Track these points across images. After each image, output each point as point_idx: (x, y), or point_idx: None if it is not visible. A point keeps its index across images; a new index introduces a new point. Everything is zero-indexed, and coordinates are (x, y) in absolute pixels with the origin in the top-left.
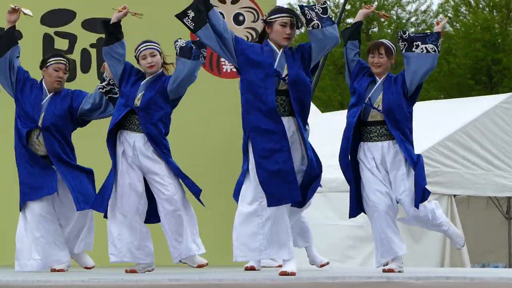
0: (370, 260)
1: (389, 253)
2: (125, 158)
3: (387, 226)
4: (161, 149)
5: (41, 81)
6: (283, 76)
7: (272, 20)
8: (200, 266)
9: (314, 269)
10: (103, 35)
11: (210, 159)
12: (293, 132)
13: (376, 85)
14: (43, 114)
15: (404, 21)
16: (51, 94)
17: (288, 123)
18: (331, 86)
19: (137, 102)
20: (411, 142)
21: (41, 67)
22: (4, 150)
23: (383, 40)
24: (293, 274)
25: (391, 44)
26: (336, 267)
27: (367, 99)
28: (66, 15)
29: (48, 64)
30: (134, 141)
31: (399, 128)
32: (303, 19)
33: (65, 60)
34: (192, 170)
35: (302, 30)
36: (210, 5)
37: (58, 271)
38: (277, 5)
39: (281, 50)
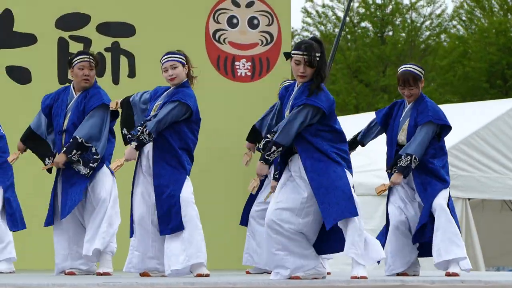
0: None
1: (393, 265)
2: (141, 168)
3: (395, 240)
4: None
5: (71, 85)
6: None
7: (291, 55)
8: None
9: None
10: (117, 39)
11: (223, 163)
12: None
13: (405, 111)
14: (68, 116)
15: (418, 24)
16: (78, 94)
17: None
18: (346, 90)
19: (152, 113)
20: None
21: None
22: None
23: (410, 68)
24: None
25: (418, 70)
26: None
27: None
28: (81, 19)
29: (73, 64)
30: (148, 150)
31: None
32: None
33: (88, 56)
34: (204, 174)
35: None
36: None
37: (67, 274)
38: (291, 11)
39: (299, 85)
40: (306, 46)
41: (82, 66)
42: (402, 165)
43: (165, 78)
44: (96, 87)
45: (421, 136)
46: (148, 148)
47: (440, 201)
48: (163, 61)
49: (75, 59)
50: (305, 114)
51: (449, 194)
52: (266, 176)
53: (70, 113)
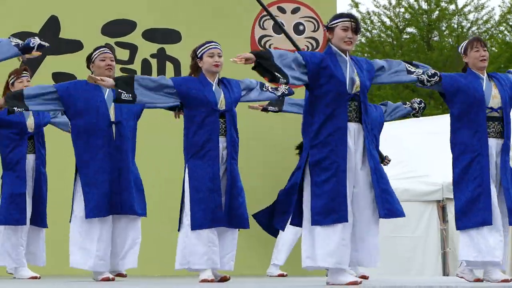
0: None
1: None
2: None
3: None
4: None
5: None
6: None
7: (333, 25)
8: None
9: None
10: (163, 45)
11: (267, 167)
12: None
13: (485, 81)
14: (112, 107)
15: (465, 30)
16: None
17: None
18: (392, 96)
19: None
20: None
21: (88, 67)
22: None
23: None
24: None
25: None
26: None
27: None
28: (127, 26)
29: (93, 58)
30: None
31: None
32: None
33: (108, 48)
34: (249, 178)
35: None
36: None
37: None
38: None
39: (348, 57)
40: (350, 14)
41: (104, 58)
42: None
43: (209, 63)
44: None
45: None
46: (222, 144)
47: None
48: (211, 47)
49: (95, 52)
50: None
51: None
52: None
53: (113, 105)
